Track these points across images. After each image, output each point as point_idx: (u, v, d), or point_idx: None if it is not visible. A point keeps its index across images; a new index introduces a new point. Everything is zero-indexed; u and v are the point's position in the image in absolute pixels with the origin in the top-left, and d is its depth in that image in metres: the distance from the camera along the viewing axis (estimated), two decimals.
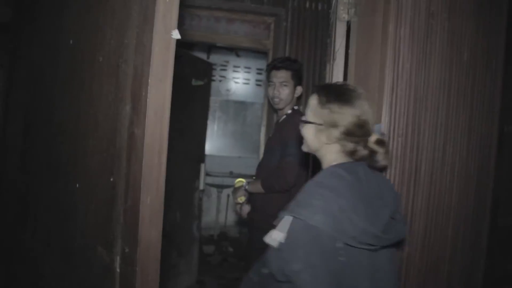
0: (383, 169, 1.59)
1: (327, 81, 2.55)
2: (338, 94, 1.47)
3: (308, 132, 1.57)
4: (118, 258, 1.24)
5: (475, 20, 2.03)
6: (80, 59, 1.62)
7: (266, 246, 2.95)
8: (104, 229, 1.33)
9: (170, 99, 1.13)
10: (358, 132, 1.42)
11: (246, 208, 3.00)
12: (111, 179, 1.29)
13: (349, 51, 1.84)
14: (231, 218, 6.46)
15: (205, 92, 4.47)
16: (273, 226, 2.73)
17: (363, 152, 1.44)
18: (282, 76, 2.84)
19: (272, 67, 2.90)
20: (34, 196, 2.05)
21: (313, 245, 1.27)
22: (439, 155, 2.06)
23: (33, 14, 2.29)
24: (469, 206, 2.13)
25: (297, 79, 2.88)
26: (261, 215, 2.88)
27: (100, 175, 1.38)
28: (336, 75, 1.80)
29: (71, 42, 1.71)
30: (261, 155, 3.58)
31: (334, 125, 1.44)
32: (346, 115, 1.43)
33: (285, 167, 2.71)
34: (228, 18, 3.61)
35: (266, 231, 2.85)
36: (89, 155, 1.48)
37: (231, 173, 6.32)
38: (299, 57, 3.33)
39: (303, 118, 1.59)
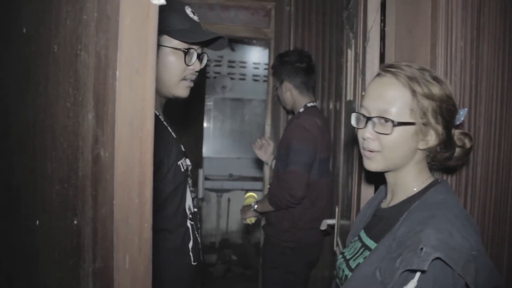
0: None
1: (346, 71, 2.14)
2: (423, 72, 1.11)
3: (401, 139, 1.10)
4: None
5: None
6: (34, 52, 1.20)
7: (279, 266, 2.56)
8: None
9: (153, 102, 0.71)
10: (451, 121, 1.12)
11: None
12: (75, 222, 0.88)
13: (386, 28, 1.44)
14: (233, 223, 6.07)
15: (199, 90, 4.10)
16: (288, 243, 2.31)
17: (453, 151, 1.16)
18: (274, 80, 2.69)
19: None
20: None
21: None
22: (494, 154, 1.67)
23: None
24: None
25: (279, 76, 2.61)
26: (275, 231, 2.53)
27: (62, 214, 0.97)
28: (371, 60, 1.40)
29: (24, 30, 1.30)
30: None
31: (437, 118, 1.10)
32: (445, 100, 1.10)
33: (289, 178, 2.34)
34: (223, 4, 3.19)
35: (280, 248, 2.49)
36: (48, 183, 1.07)
37: (230, 175, 5.94)
38: (305, 46, 2.95)
39: (386, 120, 1.10)
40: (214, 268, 5.17)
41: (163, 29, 1.43)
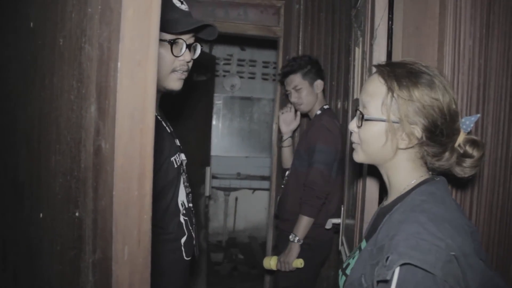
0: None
1: (354, 69, 2.14)
2: (412, 72, 1.05)
3: (372, 134, 1.11)
4: None
5: None
6: (40, 45, 1.21)
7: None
8: (72, 286, 0.93)
9: (155, 94, 0.71)
10: (447, 128, 1.03)
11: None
12: (76, 214, 0.89)
13: (394, 26, 1.43)
14: (240, 222, 6.08)
15: (208, 88, 4.10)
16: (305, 239, 2.29)
17: (449, 158, 1.05)
18: (292, 81, 2.64)
19: (281, 77, 2.74)
20: (1, 218, 1.65)
21: None
22: (502, 154, 1.66)
23: None
24: None
25: (312, 75, 2.63)
26: (292, 226, 2.52)
27: (64, 206, 0.97)
28: (378, 58, 1.39)
29: (31, 25, 1.31)
30: (271, 155, 3.42)
31: (414, 119, 1.04)
32: (429, 104, 1.02)
33: (313, 176, 2.44)
34: (232, 2, 3.19)
35: (287, 232, 2.48)
36: (52, 176, 1.08)
37: (238, 174, 5.95)
38: (314, 45, 2.95)
39: (361, 113, 1.12)
40: (221, 267, 5.17)
41: None
